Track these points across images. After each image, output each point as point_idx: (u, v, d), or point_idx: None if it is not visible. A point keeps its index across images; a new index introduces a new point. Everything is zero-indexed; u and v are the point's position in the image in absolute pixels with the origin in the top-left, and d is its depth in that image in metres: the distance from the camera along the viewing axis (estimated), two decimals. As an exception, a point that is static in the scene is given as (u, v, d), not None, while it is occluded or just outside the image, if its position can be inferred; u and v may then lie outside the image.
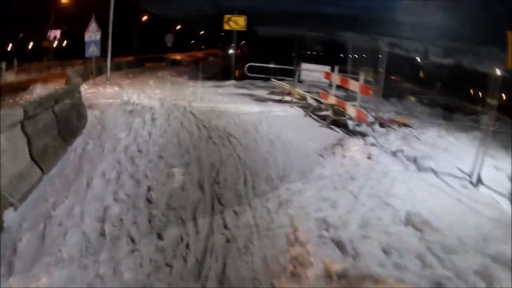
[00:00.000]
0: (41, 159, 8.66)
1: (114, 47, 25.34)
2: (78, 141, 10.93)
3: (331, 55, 43.44)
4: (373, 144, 11.81)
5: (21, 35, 50.69)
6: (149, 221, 6.84)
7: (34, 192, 7.90)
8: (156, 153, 10.07)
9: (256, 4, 38.57)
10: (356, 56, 34.11)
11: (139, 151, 10.20)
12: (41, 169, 8.57)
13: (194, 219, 6.97)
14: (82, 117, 12.83)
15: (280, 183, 8.61)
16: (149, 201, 7.50)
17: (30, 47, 51.26)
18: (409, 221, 6.87)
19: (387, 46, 32.55)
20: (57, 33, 49.39)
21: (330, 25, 44.04)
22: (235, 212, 7.26)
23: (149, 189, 7.96)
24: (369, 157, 10.45)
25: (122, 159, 9.52)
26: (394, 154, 10.89)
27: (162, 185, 8.20)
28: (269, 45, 48.34)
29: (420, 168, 9.91)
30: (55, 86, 18.31)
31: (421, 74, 30.63)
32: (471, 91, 36.99)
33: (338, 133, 13.69)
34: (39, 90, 17.03)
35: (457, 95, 29.65)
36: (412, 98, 28.01)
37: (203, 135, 11.62)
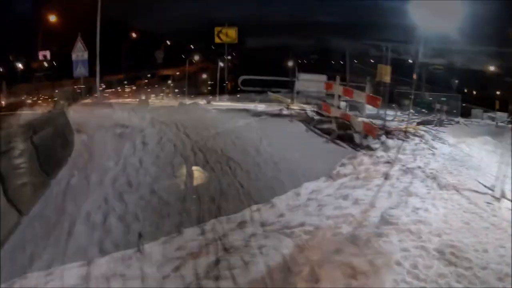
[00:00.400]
0: (19, 200, 7.65)
1: (103, 66, 24.52)
2: (63, 173, 9.83)
3: (326, 64, 42.72)
4: (387, 162, 10.92)
5: (10, 57, 49.85)
6: (142, 281, 5.63)
7: (12, 238, 6.94)
8: (148, 186, 9.00)
9: (246, 15, 37.73)
10: (353, 64, 33.36)
11: (129, 184, 9.13)
12: (19, 211, 7.57)
13: (197, 275, 5.65)
14: (67, 145, 11.78)
15: (292, 216, 7.52)
16: (141, 252, 6.35)
17: (20, 69, 50.33)
18: (441, 254, 5.97)
19: (386, 51, 31.93)
20: (47, 53, 48.38)
21: (324, 33, 43.17)
22: (245, 263, 5.94)
23: (140, 236, 6.86)
24: (386, 177, 9.54)
25: (109, 195, 8.46)
26: (411, 171, 10.08)
27: (155, 229, 7.10)
28: (261, 56, 47.53)
29: (441, 186, 9.13)
30: (41, 109, 17.37)
31: (414, 76, 30.20)
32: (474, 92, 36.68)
33: (345, 149, 12.74)
34: (24, 115, 15.96)
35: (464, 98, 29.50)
36: (406, 101, 27.55)
37: (200, 160, 10.58)
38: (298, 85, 21.22)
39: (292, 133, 14.29)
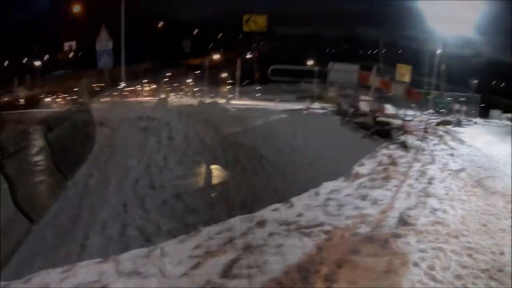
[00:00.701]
0: (30, 206, 6.93)
1: (129, 55, 24.01)
2: (81, 172, 9.10)
3: (355, 53, 41.97)
4: (429, 162, 10.14)
5: (35, 48, 49.82)
6: (159, 279, 4.76)
7: (20, 251, 6.20)
8: (172, 188, 8.16)
9: (274, 4, 37.07)
10: (385, 54, 32.52)
11: (152, 186, 8.31)
12: (30, 218, 6.84)
13: (215, 273, 4.66)
14: (88, 140, 11.06)
15: (335, 222, 6.65)
16: (163, 274, 5.38)
17: (45, 60, 50.29)
18: (458, 255, 5.27)
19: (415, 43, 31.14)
20: (72, 44, 48.08)
21: (353, 22, 42.52)
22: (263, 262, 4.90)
23: (162, 252, 5.89)
24: (430, 182, 8.79)
25: (129, 200, 7.64)
26: (456, 173, 9.36)
27: (179, 242, 6.15)
28: (290, 45, 47.01)
29: (459, 187, 8.46)
30: (61, 103, 16.78)
31: (443, 68, 29.82)
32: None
33: (383, 146, 11.84)
34: (41, 110, 15.33)
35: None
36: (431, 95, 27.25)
37: (230, 158, 9.71)
38: (330, 76, 20.36)
39: (327, 129, 13.33)
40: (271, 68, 21.88)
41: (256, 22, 26.55)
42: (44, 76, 40.56)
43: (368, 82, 15.99)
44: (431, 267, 4.83)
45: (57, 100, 22.28)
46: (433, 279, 4.62)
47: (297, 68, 23.26)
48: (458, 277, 4.70)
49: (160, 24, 55.61)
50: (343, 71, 20.35)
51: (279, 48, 46.66)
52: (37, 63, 44.99)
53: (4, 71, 39.79)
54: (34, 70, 42.17)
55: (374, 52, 39.08)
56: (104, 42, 21.89)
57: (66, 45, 46.51)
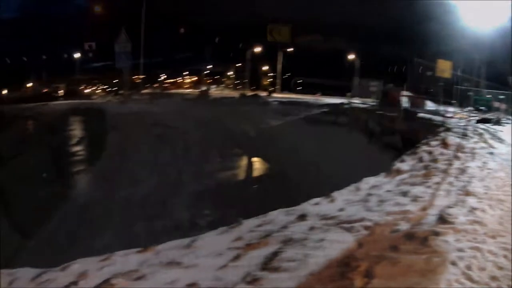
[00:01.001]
0: (24, 219, 6.17)
1: (148, 59, 23.94)
2: (86, 183, 8.38)
3: (379, 69, 41.55)
4: (469, 160, 9.72)
5: (55, 47, 49.81)
6: (198, 270, 4.19)
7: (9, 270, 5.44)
8: (186, 209, 7.38)
9: (297, 15, 36.84)
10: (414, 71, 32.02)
11: (163, 203, 7.53)
12: (23, 233, 6.09)
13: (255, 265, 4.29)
14: (99, 145, 10.36)
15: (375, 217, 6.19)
16: (202, 265, 4.69)
17: (63, 59, 50.25)
18: (495, 256, 5.01)
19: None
20: (92, 45, 47.82)
21: (377, 37, 42.11)
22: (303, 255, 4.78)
23: (202, 243, 5.14)
24: (469, 180, 8.35)
25: (136, 222, 6.83)
26: (495, 172, 8.94)
27: (219, 234, 5.37)
28: (312, 58, 46.68)
29: (498, 186, 8.10)
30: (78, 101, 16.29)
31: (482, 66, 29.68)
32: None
33: (423, 142, 11.43)
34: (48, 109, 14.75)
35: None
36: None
37: (250, 176, 9.00)
38: (356, 91, 19.99)
39: (354, 148, 12.75)
40: (294, 80, 21.51)
41: (280, 33, 26.21)
42: (84, 68, 40.57)
43: (396, 100, 15.52)
44: (468, 267, 4.48)
45: (97, 91, 22.48)
46: (470, 279, 4.29)
47: (319, 82, 22.95)
48: (494, 278, 4.37)
49: (181, 29, 55.74)
50: (369, 87, 20.00)
51: (303, 59, 46.49)
52: (77, 54, 44.97)
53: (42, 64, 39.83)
54: (74, 62, 42.15)
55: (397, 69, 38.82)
56: (123, 44, 22.08)
57: (87, 45, 46.56)
